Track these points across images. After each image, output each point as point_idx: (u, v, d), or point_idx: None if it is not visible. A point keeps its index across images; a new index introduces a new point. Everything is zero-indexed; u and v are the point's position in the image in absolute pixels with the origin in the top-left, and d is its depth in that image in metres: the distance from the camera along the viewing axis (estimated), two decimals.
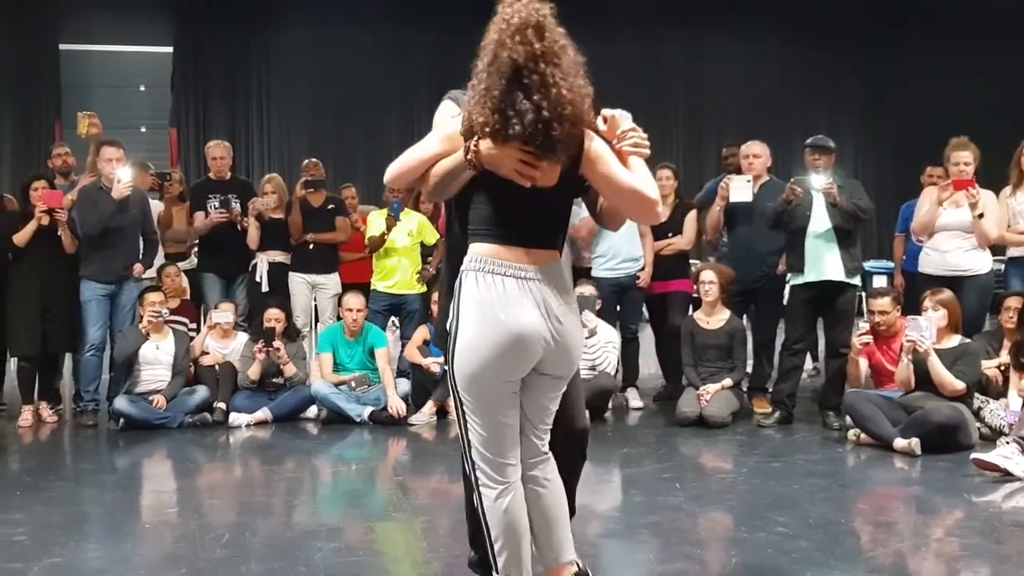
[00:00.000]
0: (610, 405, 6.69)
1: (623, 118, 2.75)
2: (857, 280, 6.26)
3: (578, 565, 2.86)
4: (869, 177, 14.32)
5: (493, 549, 2.74)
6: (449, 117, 2.82)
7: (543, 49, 2.51)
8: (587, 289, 6.61)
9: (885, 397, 5.68)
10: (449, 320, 2.70)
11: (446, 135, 2.68)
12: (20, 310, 6.50)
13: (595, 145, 2.65)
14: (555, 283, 2.66)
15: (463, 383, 2.66)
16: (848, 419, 5.79)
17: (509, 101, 2.50)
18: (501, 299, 2.58)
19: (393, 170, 2.74)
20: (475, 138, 2.56)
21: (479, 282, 2.61)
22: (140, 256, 6.80)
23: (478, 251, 2.65)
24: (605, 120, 2.74)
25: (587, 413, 3.21)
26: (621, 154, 2.69)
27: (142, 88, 14.85)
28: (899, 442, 5.31)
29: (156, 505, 4.86)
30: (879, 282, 10.46)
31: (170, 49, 14.50)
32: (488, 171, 2.59)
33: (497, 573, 2.76)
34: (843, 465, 5.37)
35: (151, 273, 7.05)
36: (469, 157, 2.57)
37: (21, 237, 6.44)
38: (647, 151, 2.72)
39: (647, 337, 7.63)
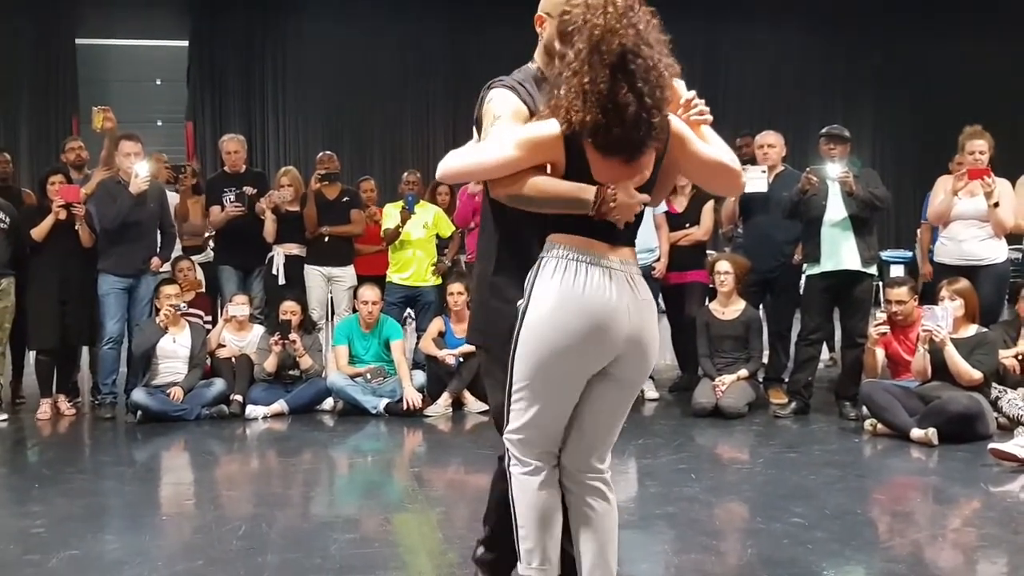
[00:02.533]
0: None
1: (680, 86, 2.54)
2: (874, 269, 6.23)
3: None
4: (887, 166, 14.24)
5: (518, 535, 2.59)
6: (512, 110, 2.53)
7: (644, 31, 2.34)
8: None
9: (902, 387, 5.66)
10: (523, 300, 2.48)
11: (530, 142, 2.39)
12: (38, 304, 6.55)
13: (676, 123, 2.48)
14: (636, 276, 2.52)
15: (528, 370, 2.45)
16: (865, 409, 5.77)
17: (612, 93, 2.28)
18: (581, 285, 2.40)
19: (453, 168, 2.50)
20: (611, 188, 2.36)
21: (559, 268, 2.42)
22: (158, 249, 6.83)
23: (559, 240, 2.45)
24: None
25: None
26: (690, 125, 2.52)
27: (158, 82, 14.89)
28: (916, 432, 5.29)
29: (174, 497, 4.89)
30: (896, 271, 10.40)
31: (186, 43, 14.54)
32: (590, 180, 2.40)
33: (520, 562, 2.60)
34: (860, 455, 5.35)
35: (166, 266, 7.08)
36: (601, 207, 2.36)
37: (39, 231, 6.48)
38: (711, 118, 2.56)
39: (663, 328, 7.61)
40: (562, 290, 2.41)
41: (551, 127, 2.38)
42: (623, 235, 2.50)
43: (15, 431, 6.26)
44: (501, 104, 2.55)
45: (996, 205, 6.04)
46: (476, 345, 2.85)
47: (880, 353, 5.96)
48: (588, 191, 2.38)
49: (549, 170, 2.44)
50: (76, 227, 6.48)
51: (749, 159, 7.21)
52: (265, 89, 14.80)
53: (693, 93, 2.55)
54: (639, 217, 2.54)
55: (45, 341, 6.61)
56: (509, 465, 2.58)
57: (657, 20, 2.40)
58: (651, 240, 6.93)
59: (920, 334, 5.56)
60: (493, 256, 2.71)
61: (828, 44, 15.24)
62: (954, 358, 5.41)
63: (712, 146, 2.52)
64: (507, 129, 2.47)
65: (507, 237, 2.65)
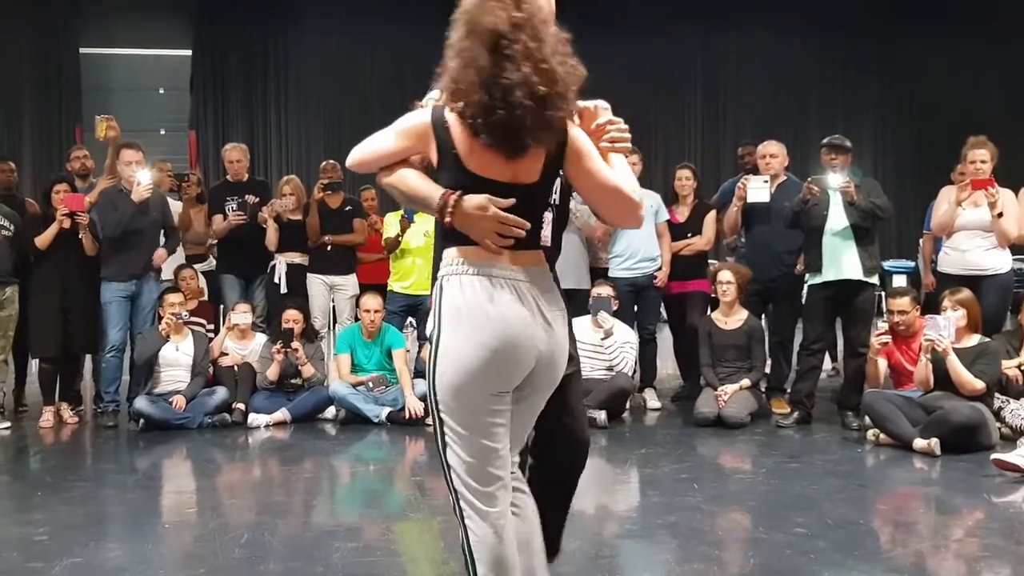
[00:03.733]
0: (628, 406, 6.67)
1: (601, 110, 2.47)
2: (875, 279, 6.23)
3: None
4: (888, 175, 14.26)
5: None
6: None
7: (522, 19, 2.24)
8: (604, 289, 6.62)
9: (904, 397, 5.65)
10: (430, 329, 2.36)
11: (405, 130, 2.38)
12: (41, 312, 6.56)
13: (579, 137, 2.37)
14: (543, 285, 2.37)
15: (446, 397, 2.32)
16: (867, 419, 5.77)
17: (496, 75, 2.21)
18: (490, 301, 2.27)
19: (355, 157, 2.48)
20: (457, 194, 2.28)
21: (463, 284, 2.30)
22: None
23: (459, 254, 2.34)
24: (580, 115, 2.45)
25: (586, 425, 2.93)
26: (600, 151, 2.42)
27: (162, 91, 14.95)
28: (919, 442, 5.29)
29: (176, 505, 4.89)
30: (898, 281, 10.42)
31: (189, 52, 14.60)
32: (462, 170, 2.31)
33: None
34: (862, 465, 5.35)
35: (168, 275, 7.10)
36: (444, 215, 2.29)
37: (43, 240, 6.49)
38: (627, 145, 2.47)
39: (665, 338, 7.62)
40: (466, 310, 2.29)
41: (423, 115, 2.37)
42: (525, 241, 2.34)
43: (18, 439, 6.26)
44: (427, 100, 2.54)
45: (1000, 215, 6.05)
46: None
47: (882, 363, 5.96)
48: (435, 194, 2.31)
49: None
50: (80, 236, 6.50)
51: (751, 168, 7.23)
52: (268, 98, 14.86)
53: (608, 117, 2.47)
54: (541, 216, 2.42)
55: (47, 349, 6.62)
56: (462, 517, 2.37)
57: (549, 18, 2.31)
58: (653, 249, 6.94)
59: (922, 344, 5.56)
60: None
61: (829, 53, 15.29)
62: (956, 368, 5.40)
63: (616, 172, 2.40)
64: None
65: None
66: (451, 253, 2.37)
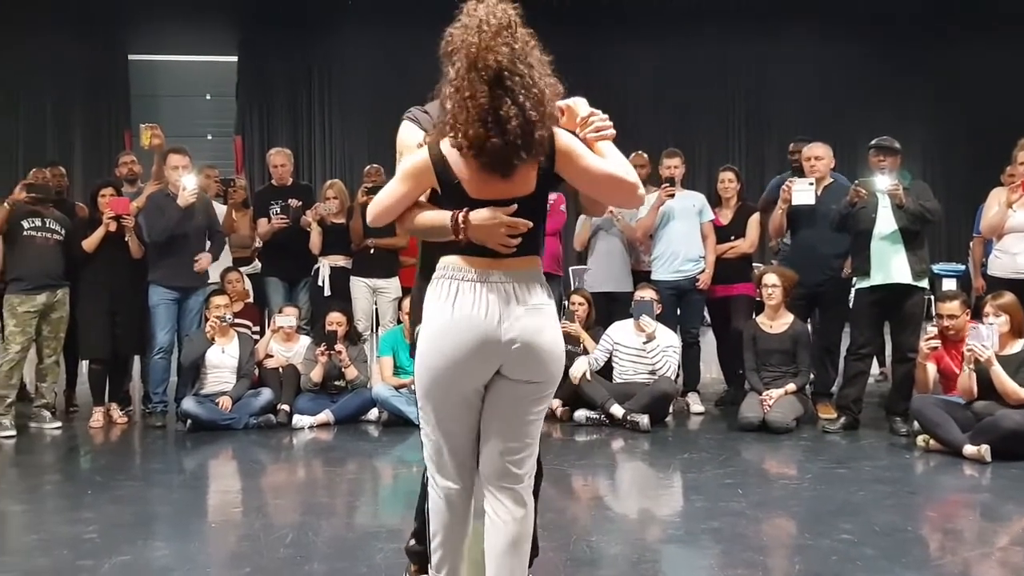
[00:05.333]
0: (671, 410, 6.64)
1: (579, 104, 2.64)
2: (925, 283, 6.14)
3: None
4: (937, 178, 14.05)
5: (430, 543, 2.75)
6: (414, 143, 2.72)
7: (520, 50, 2.43)
8: (647, 293, 6.59)
9: (954, 402, 5.56)
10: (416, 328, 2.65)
11: (410, 171, 2.57)
12: (90, 314, 6.67)
13: (564, 139, 2.52)
14: (521, 286, 2.52)
15: (420, 385, 2.59)
16: (916, 425, 5.68)
17: (493, 107, 2.38)
18: (453, 302, 2.49)
19: (372, 211, 2.64)
20: (464, 210, 2.48)
21: (437, 287, 2.55)
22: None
23: (445, 261, 2.56)
24: (562, 112, 2.60)
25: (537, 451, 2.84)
26: (587, 142, 2.58)
27: (208, 97, 15.15)
28: (969, 448, 5.20)
29: (221, 505, 4.94)
30: (948, 285, 10.23)
31: (235, 58, 14.78)
32: (465, 197, 2.50)
33: (431, 567, 2.77)
34: (910, 471, 5.27)
35: (216, 276, 7.19)
36: (459, 233, 2.48)
37: (89, 243, 6.60)
38: (612, 132, 2.60)
39: (709, 341, 7.56)
40: (437, 311, 2.52)
41: (421, 154, 2.56)
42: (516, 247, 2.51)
43: (68, 439, 6.37)
44: (403, 139, 2.82)
45: None
46: None
47: (932, 368, 5.85)
48: (446, 218, 2.51)
49: (426, 196, 2.60)
50: (126, 239, 6.60)
51: (797, 167, 7.14)
52: (312, 103, 14.99)
53: (589, 111, 2.62)
54: (534, 223, 2.53)
55: (96, 351, 6.73)
56: (426, 484, 2.70)
57: (535, 41, 2.48)
58: (694, 250, 6.90)
59: (964, 354, 5.45)
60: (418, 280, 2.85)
61: (875, 55, 15.09)
62: (1001, 377, 5.29)
63: (607, 160, 2.54)
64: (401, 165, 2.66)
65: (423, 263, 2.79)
66: (441, 260, 2.57)
